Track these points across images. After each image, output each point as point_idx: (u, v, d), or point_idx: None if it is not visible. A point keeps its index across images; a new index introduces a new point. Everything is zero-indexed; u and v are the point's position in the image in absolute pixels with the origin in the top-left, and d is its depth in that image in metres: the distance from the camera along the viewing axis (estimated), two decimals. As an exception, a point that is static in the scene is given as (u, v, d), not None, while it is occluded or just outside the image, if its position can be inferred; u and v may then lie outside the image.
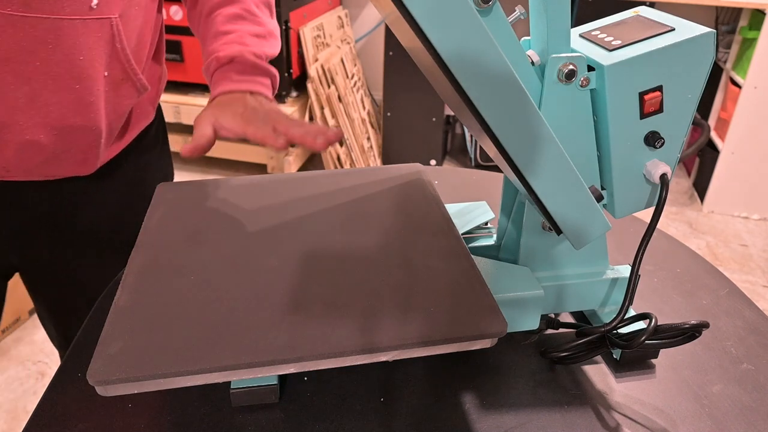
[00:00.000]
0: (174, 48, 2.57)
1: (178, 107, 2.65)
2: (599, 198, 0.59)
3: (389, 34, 2.59)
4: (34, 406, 0.59)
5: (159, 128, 0.95)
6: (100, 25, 0.69)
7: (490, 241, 0.74)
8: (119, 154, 0.85)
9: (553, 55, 0.52)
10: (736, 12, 2.66)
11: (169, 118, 2.56)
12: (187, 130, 2.67)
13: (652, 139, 0.57)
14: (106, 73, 0.73)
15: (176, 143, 2.68)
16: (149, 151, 0.92)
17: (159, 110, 0.95)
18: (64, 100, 0.70)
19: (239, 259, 0.60)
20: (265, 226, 0.65)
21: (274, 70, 0.85)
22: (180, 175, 2.74)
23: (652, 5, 2.35)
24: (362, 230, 0.65)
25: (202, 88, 2.62)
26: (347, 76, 2.73)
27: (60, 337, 0.96)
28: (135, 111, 0.85)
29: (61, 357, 1.00)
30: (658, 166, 0.58)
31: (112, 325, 0.51)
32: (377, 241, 0.63)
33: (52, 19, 0.65)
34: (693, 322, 0.57)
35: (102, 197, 0.86)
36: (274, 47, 0.86)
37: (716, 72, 2.65)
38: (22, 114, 0.68)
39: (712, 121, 2.71)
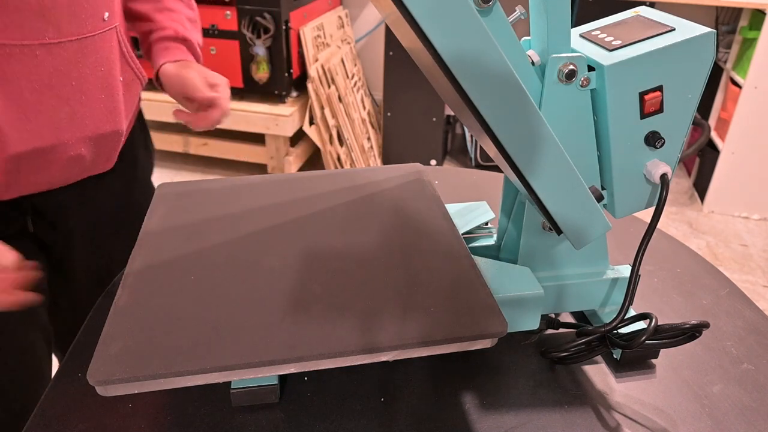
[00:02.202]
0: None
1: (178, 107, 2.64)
2: (599, 198, 0.59)
3: (389, 34, 2.59)
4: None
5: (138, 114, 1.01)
6: (111, 34, 0.75)
7: (490, 241, 0.74)
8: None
9: (554, 55, 0.52)
10: (736, 12, 2.66)
11: (170, 118, 2.56)
12: (187, 129, 2.67)
13: (653, 139, 0.57)
14: (121, 78, 0.79)
15: (176, 143, 2.68)
16: (135, 133, 0.98)
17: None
18: (95, 111, 0.75)
19: (239, 258, 0.60)
20: (265, 226, 0.65)
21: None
22: (180, 175, 2.74)
23: (652, 5, 2.35)
24: (362, 230, 0.65)
25: (202, 88, 2.61)
26: (347, 76, 2.73)
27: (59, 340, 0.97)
28: None
29: (60, 358, 1.00)
30: (659, 166, 0.58)
31: (112, 325, 0.51)
32: (377, 241, 0.63)
33: (79, 40, 0.69)
34: (693, 322, 0.57)
35: (116, 186, 0.90)
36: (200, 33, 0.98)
37: (716, 72, 2.65)
38: (66, 133, 0.72)
39: (712, 121, 2.71)
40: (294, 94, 2.59)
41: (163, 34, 0.88)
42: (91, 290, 0.85)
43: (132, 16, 0.89)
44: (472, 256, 0.61)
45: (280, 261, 0.59)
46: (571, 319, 0.72)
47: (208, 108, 0.85)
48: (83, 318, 0.71)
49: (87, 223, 0.86)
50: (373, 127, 2.89)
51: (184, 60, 0.87)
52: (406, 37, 0.50)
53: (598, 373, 0.64)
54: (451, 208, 0.77)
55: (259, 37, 2.40)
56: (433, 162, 2.76)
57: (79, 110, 0.72)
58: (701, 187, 2.68)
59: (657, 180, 0.58)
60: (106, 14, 0.73)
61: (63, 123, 0.71)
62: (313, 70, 2.46)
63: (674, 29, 0.55)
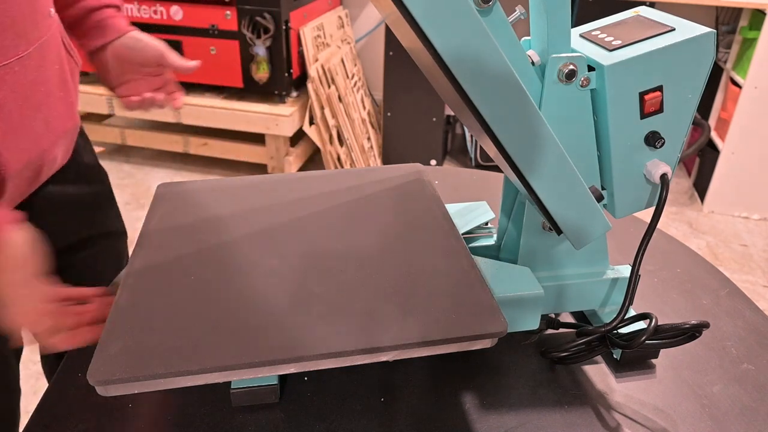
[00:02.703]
0: (174, 48, 2.56)
1: (178, 107, 2.64)
2: (599, 198, 0.59)
3: (389, 34, 2.59)
4: (34, 406, 0.59)
5: None
6: (55, 28, 0.73)
7: (490, 241, 0.74)
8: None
9: (554, 55, 0.52)
10: (736, 12, 2.66)
11: (168, 117, 2.56)
12: (188, 130, 2.67)
13: (653, 139, 0.57)
14: (68, 69, 0.76)
15: (176, 143, 2.68)
16: None
17: None
18: (59, 110, 0.73)
19: (239, 258, 0.60)
20: (264, 226, 0.65)
21: None
22: (180, 175, 2.74)
23: (652, 5, 2.35)
24: (362, 230, 0.65)
25: (202, 88, 2.61)
26: (347, 76, 2.73)
27: None
28: None
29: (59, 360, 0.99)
30: (659, 166, 0.58)
31: (112, 325, 0.51)
32: (377, 241, 0.63)
33: (40, 44, 0.68)
34: (693, 322, 0.57)
35: (72, 176, 0.87)
36: None
37: (716, 72, 2.65)
38: (43, 140, 0.71)
39: (712, 121, 2.71)
40: (294, 94, 2.59)
41: (92, 3, 0.81)
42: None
43: None
44: (472, 256, 0.61)
45: (280, 261, 0.59)
46: (571, 319, 0.72)
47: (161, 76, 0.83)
48: None
49: (55, 214, 0.84)
50: (373, 127, 2.89)
51: (131, 30, 0.83)
52: (406, 37, 0.50)
53: (598, 373, 0.64)
54: (451, 208, 0.77)
55: (259, 37, 2.40)
56: (433, 162, 2.76)
57: (48, 114, 0.71)
58: (701, 187, 2.68)
59: (657, 180, 0.58)
60: (52, 10, 0.71)
61: (40, 131, 0.70)
62: (313, 70, 2.46)
63: (674, 29, 0.55)
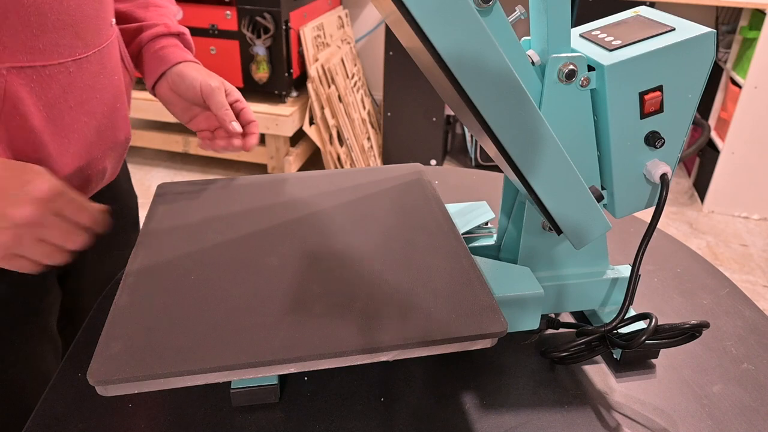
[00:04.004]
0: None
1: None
2: (599, 198, 0.59)
3: (389, 34, 2.59)
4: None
5: None
6: (115, 39, 0.72)
7: (490, 241, 0.74)
8: None
9: (554, 55, 0.52)
10: (736, 12, 2.66)
11: (171, 118, 2.56)
12: (188, 129, 2.67)
13: (653, 139, 0.57)
14: (125, 82, 0.76)
15: (176, 143, 2.68)
16: None
17: None
18: (113, 121, 0.72)
19: (239, 258, 0.60)
20: (264, 226, 0.65)
21: None
22: (180, 175, 2.74)
23: (652, 5, 2.35)
24: (362, 230, 0.65)
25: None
26: (347, 76, 2.73)
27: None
28: None
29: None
30: (659, 166, 0.58)
31: (112, 325, 0.51)
32: (377, 241, 0.63)
33: (100, 50, 0.67)
34: (693, 322, 0.57)
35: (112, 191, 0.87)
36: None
37: (716, 72, 2.65)
38: (95, 149, 0.71)
39: (712, 121, 2.71)
40: (294, 94, 2.59)
41: (155, 31, 0.79)
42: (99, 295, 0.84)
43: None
44: (472, 256, 0.61)
45: (280, 261, 0.59)
46: (571, 319, 0.72)
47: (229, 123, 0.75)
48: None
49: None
50: (373, 127, 2.89)
51: (192, 62, 0.80)
52: (406, 37, 0.50)
53: (598, 373, 0.64)
54: (451, 208, 0.77)
55: (259, 37, 2.40)
56: (433, 162, 2.76)
57: (102, 122, 0.70)
58: (701, 187, 2.68)
59: (657, 180, 0.58)
60: (113, 20, 0.71)
61: (92, 138, 0.69)
62: (313, 70, 2.46)
63: (674, 29, 0.55)
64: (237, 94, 0.77)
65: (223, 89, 0.75)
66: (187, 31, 0.83)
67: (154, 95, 0.80)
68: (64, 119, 0.65)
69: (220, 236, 0.63)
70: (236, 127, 0.73)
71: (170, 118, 2.57)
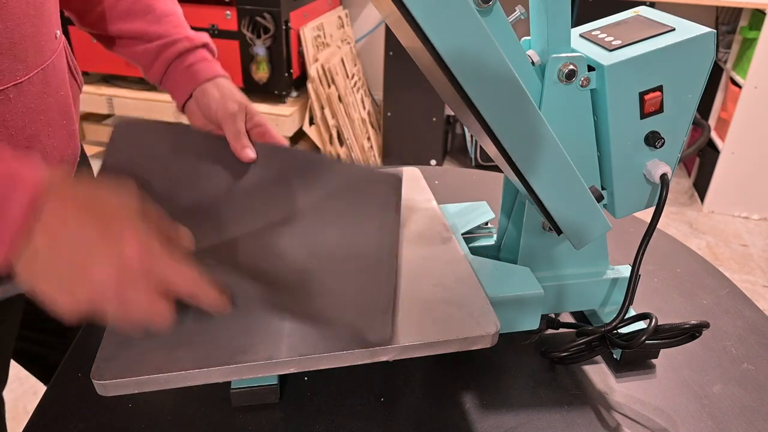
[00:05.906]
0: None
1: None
2: (599, 198, 0.59)
3: (389, 34, 2.59)
4: (34, 406, 0.59)
5: None
6: (61, 51, 0.67)
7: (491, 241, 0.74)
8: None
9: (554, 55, 0.52)
10: (736, 12, 2.66)
11: (170, 118, 2.56)
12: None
13: (653, 139, 0.57)
14: (72, 95, 0.70)
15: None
16: None
17: None
18: (60, 140, 0.67)
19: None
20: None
21: None
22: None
23: (652, 5, 2.35)
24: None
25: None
26: (347, 76, 2.73)
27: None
28: None
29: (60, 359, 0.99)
30: (659, 166, 0.58)
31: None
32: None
33: (43, 69, 0.62)
34: (693, 322, 0.57)
35: None
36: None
37: (716, 72, 2.65)
38: None
39: (712, 121, 2.71)
40: (294, 94, 2.59)
41: (180, 47, 0.73)
42: None
43: (125, 40, 0.75)
44: (473, 256, 0.61)
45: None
46: (571, 319, 0.72)
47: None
48: None
49: None
50: (373, 127, 2.89)
51: (220, 76, 0.73)
52: (406, 37, 0.50)
53: (598, 373, 0.64)
54: (451, 208, 0.77)
55: (259, 37, 2.40)
56: (433, 162, 2.76)
57: (48, 144, 0.64)
58: (701, 187, 2.68)
59: (657, 180, 0.58)
60: (58, 32, 0.64)
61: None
62: (313, 70, 2.46)
63: (674, 29, 0.55)
64: (259, 118, 0.71)
65: (241, 115, 0.69)
66: (209, 39, 0.77)
67: (182, 113, 0.75)
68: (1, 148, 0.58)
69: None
70: (249, 154, 0.67)
71: (170, 118, 2.57)
